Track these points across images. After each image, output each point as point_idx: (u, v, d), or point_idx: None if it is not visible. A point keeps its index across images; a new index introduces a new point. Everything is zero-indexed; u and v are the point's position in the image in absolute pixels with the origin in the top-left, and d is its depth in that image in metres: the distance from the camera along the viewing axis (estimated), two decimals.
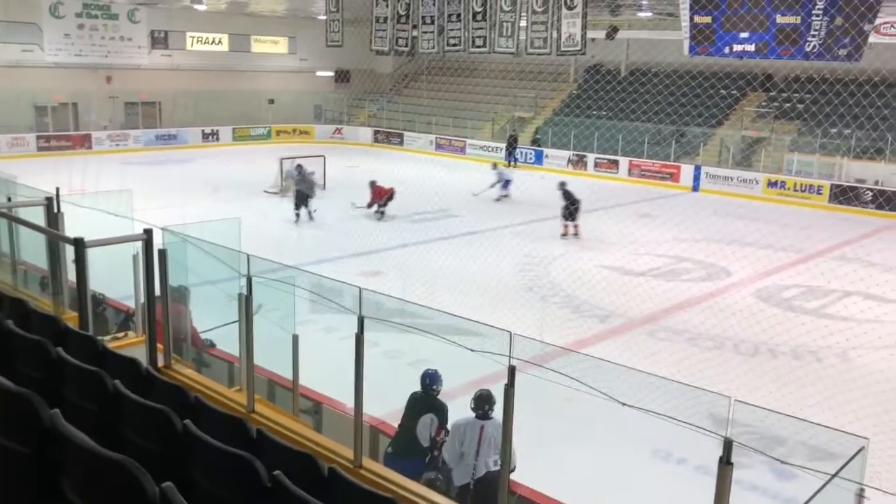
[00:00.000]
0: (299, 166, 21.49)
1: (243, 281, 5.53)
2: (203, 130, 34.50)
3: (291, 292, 6.11)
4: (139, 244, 6.12)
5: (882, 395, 8.87)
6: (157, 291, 6.14)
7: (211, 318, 7.47)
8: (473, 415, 6.08)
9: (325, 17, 14.56)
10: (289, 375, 6.47)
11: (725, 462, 3.41)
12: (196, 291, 7.06)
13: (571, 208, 18.07)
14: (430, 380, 6.43)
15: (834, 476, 3.47)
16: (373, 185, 20.16)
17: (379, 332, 5.28)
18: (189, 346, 7.19)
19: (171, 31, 34.40)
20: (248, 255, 5.50)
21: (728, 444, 3.39)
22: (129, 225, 7.07)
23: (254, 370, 5.70)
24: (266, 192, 22.43)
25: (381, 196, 20.10)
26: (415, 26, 12.53)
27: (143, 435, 3.57)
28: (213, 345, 8.03)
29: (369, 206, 19.98)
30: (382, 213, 19.89)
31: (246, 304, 5.58)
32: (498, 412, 5.38)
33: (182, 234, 6.22)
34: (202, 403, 4.18)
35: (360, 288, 4.79)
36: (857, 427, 6.38)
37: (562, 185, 18.69)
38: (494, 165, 24.10)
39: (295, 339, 6.33)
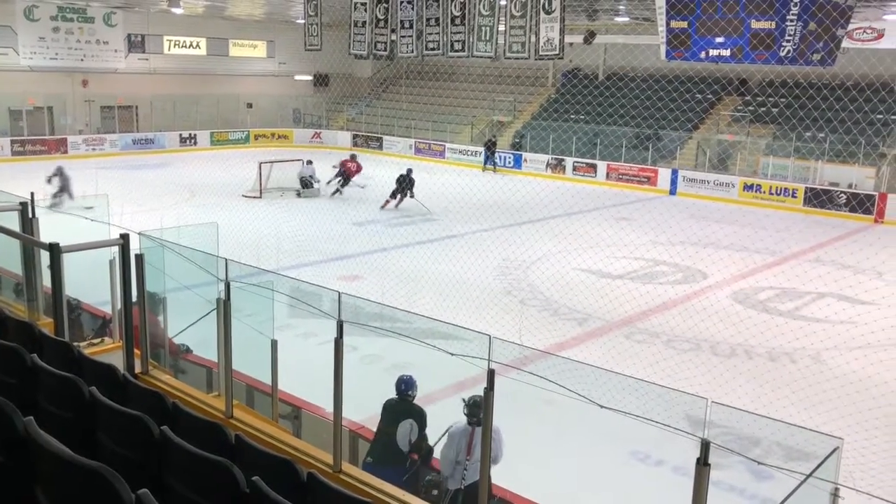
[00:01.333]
0: (310, 162, 23.55)
1: (221, 286, 5.49)
2: (181, 134, 34.22)
3: (270, 297, 6.08)
4: (115, 249, 6.06)
5: (855, 396, 8.99)
6: (134, 297, 6.09)
7: (188, 324, 7.41)
8: (466, 420, 6.01)
9: (303, 21, 14.52)
10: (267, 380, 6.43)
11: (702, 463, 3.43)
12: (173, 297, 7.01)
13: (404, 190, 20.92)
14: (406, 385, 6.37)
15: (809, 476, 3.51)
16: (353, 157, 22.30)
17: (358, 336, 5.27)
18: (167, 352, 7.13)
19: (148, 34, 34.08)
20: (226, 260, 5.47)
21: (705, 446, 3.41)
22: (105, 230, 7.02)
23: (232, 375, 5.67)
24: (245, 196, 22.30)
25: (348, 170, 22.25)
26: (393, 30, 12.53)
27: (120, 442, 3.53)
28: (188, 350, 7.97)
29: (342, 181, 22.14)
30: (339, 191, 22.03)
31: (224, 310, 5.54)
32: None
33: (159, 238, 6.17)
34: (180, 409, 4.15)
35: (339, 292, 4.78)
36: (832, 427, 6.46)
37: (409, 171, 21.37)
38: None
39: (274, 343, 6.30)
